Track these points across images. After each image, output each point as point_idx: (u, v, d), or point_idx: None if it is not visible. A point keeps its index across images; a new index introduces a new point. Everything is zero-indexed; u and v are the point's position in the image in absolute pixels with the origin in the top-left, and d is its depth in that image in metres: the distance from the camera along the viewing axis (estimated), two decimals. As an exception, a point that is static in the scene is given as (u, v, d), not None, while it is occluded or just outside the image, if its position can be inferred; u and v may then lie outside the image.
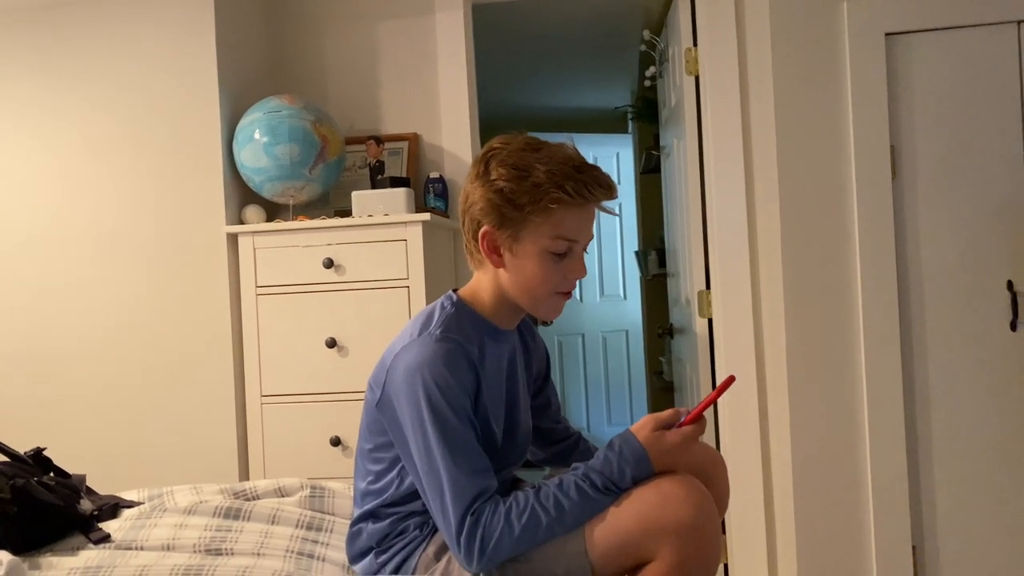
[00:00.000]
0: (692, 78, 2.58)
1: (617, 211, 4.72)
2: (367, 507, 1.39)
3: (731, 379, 1.31)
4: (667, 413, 1.31)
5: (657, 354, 4.38)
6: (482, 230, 1.34)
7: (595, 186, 1.32)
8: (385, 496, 1.37)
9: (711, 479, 1.44)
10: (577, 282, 1.39)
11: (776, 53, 2.38)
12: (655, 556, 1.22)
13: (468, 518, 1.23)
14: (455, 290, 1.43)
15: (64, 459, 1.76)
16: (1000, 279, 2.27)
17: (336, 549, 1.53)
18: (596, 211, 1.36)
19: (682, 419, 1.30)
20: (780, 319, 2.40)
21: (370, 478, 1.39)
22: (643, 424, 1.30)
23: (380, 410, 1.33)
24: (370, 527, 1.39)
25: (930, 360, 2.31)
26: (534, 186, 1.30)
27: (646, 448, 1.26)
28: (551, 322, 1.50)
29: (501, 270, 1.36)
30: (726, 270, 2.47)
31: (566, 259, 1.34)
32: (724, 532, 2.51)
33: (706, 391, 2.58)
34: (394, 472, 1.36)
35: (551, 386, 1.62)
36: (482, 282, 1.40)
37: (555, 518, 1.23)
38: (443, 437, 1.25)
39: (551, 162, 1.31)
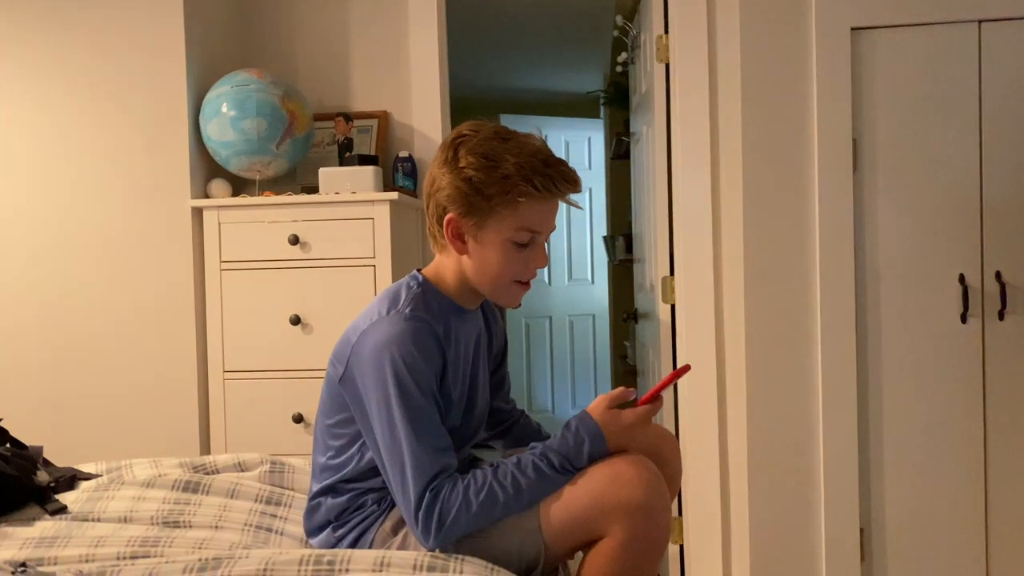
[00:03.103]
0: (662, 65, 2.60)
1: (582, 204, 4.76)
2: (326, 482, 1.40)
3: (687, 367, 1.36)
4: (618, 391, 1.34)
5: (622, 338, 4.43)
6: (447, 216, 1.35)
7: (562, 181, 1.34)
8: (344, 471, 1.38)
9: (663, 458, 1.47)
10: (538, 271, 1.41)
11: (744, 43, 2.41)
12: (606, 533, 1.25)
13: (427, 494, 1.25)
14: (419, 270, 1.44)
15: (22, 431, 1.75)
16: (952, 272, 2.33)
17: (295, 523, 1.54)
18: (560, 202, 1.38)
19: (635, 398, 1.34)
20: (740, 306, 2.44)
21: (330, 453, 1.40)
22: (598, 404, 1.33)
23: (343, 385, 1.35)
24: (329, 501, 1.40)
25: (883, 349, 2.37)
26: (503, 178, 1.31)
27: (602, 427, 1.30)
28: (517, 307, 1.54)
29: (464, 256, 1.38)
30: (689, 257, 2.51)
31: (528, 249, 1.36)
32: (680, 513, 2.57)
33: (666, 375, 2.62)
34: (354, 448, 1.37)
35: (506, 367, 1.65)
36: (445, 264, 1.41)
37: (512, 496, 1.26)
38: (408, 414, 1.27)
39: (521, 154, 1.32)
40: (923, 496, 2.36)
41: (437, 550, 1.27)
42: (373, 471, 1.37)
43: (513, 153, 1.32)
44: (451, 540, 1.27)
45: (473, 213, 1.33)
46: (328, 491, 1.41)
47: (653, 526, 1.25)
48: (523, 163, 1.31)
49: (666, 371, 2.63)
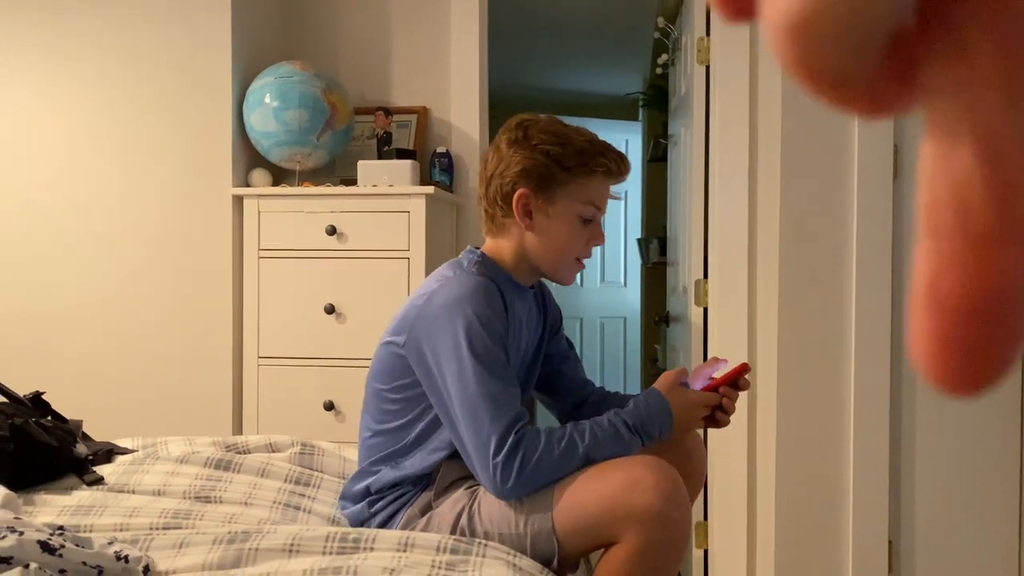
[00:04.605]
0: (703, 68, 2.59)
1: (621, 196, 4.82)
2: (375, 456, 1.42)
3: (744, 367, 1.40)
4: (677, 371, 1.39)
5: (653, 342, 4.42)
6: (518, 192, 1.40)
7: (624, 161, 1.45)
8: (392, 442, 1.40)
9: (694, 465, 1.50)
10: (594, 251, 1.50)
11: (786, 47, 2.39)
12: (620, 539, 1.23)
13: (512, 435, 1.26)
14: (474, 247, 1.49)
15: (63, 406, 1.80)
16: (993, 283, 2.29)
17: (322, 503, 1.57)
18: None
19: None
20: (774, 311, 2.42)
21: (382, 417, 1.42)
22: (663, 381, 1.38)
23: (407, 349, 1.36)
24: (374, 476, 1.42)
25: (919, 359, 2.33)
26: (578, 151, 1.40)
27: (672, 405, 1.34)
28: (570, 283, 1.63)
29: (528, 233, 1.42)
30: (724, 260, 2.49)
31: (590, 225, 1.44)
32: (705, 518, 2.55)
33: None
34: (410, 416, 1.39)
35: (564, 338, 1.67)
36: (501, 244, 1.45)
37: (590, 445, 1.28)
38: (486, 362, 1.29)
39: (584, 135, 1.43)
40: (955, 510, 2.32)
41: (511, 500, 1.28)
42: (418, 445, 1.39)
43: (578, 134, 1.43)
44: (527, 487, 1.26)
45: (546, 187, 1.40)
46: (377, 464, 1.42)
47: (668, 535, 1.22)
48: (591, 140, 1.42)
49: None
